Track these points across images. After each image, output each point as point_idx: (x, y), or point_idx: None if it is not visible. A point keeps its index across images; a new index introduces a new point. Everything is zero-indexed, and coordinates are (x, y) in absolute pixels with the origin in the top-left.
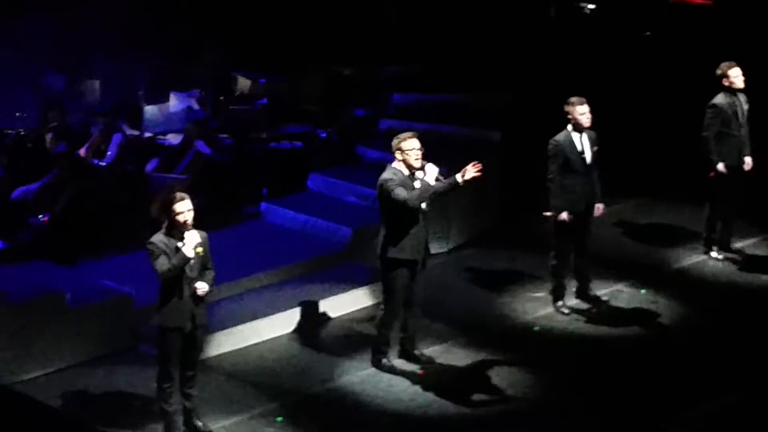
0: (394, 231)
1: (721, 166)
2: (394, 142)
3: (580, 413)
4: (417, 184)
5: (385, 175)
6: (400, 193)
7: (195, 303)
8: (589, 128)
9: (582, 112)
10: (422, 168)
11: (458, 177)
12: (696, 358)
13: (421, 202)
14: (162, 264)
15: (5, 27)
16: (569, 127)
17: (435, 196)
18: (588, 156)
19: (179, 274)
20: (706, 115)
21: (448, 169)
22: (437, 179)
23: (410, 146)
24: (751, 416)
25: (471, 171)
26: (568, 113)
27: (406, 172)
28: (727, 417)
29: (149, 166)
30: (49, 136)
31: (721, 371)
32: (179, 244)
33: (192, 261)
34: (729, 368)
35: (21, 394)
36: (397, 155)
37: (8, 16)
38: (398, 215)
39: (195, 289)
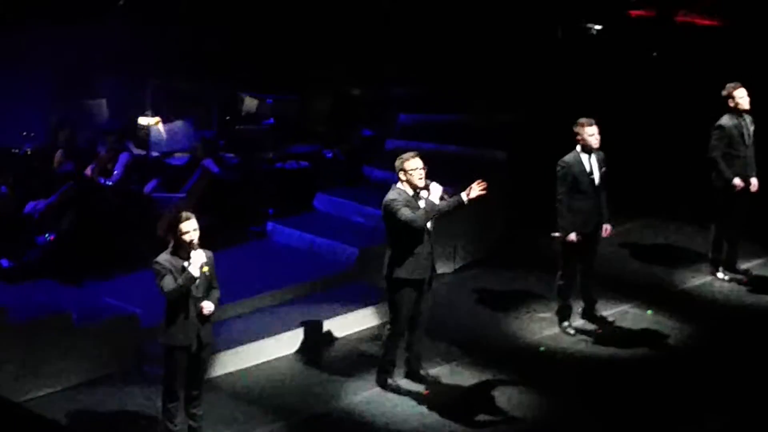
0: (400, 251)
1: (737, 181)
2: (397, 162)
3: None
4: (422, 204)
5: (390, 195)
6: (405, 213)
7: (201, 322)
8: (597, 149)
9: (591, 133)
10: (426, 187)
11: (463, 196)
12: (702, 378)
13: (427, 222)
14: (168, 283)
15: (12, 46)
16: (578, 147)
17: (440, 215)
18: (596, 177)
19: (185, 293)
20: (712, 137)
21: (455, 188)
22: (442, 198)
23: (413, 166)
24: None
25: (476, 189)
26: (577, 134)
27: (411, 191)
28: None
29: (148, 187)
30: (58, 154)
31: (729, 392)
32: (185, 263)
33: (198, 280)
34: (736, 389)
35: (29, 411)
36: (401, 175)
37: (15, 35)
38: (404, 235)
39: (201, 308)
